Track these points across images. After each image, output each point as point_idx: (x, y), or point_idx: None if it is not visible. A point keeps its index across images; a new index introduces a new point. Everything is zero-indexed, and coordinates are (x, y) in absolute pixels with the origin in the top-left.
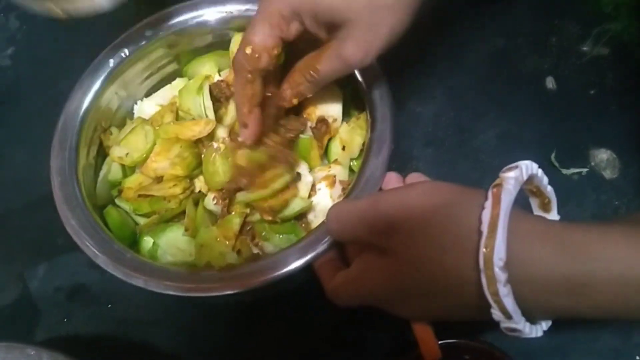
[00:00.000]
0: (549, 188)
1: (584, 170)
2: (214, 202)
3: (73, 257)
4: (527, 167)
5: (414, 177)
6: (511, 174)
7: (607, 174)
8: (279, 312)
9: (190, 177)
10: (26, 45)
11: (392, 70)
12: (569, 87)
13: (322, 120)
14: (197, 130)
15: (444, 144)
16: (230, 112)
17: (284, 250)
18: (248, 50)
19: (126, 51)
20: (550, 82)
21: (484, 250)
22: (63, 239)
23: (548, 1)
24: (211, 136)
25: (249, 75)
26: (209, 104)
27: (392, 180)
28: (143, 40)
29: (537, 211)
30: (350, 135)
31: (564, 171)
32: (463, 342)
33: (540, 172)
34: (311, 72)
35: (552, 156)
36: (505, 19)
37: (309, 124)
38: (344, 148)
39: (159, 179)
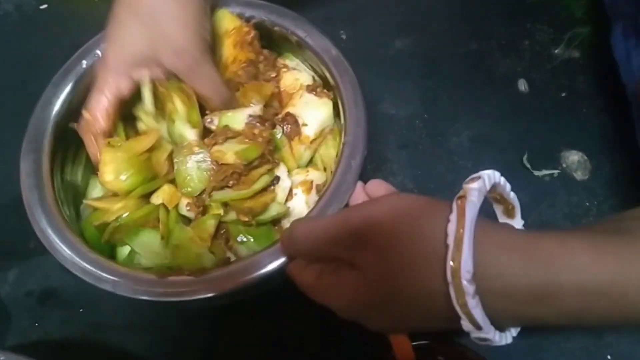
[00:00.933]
0: (512, 195)
1: (556, 172)
2: (187, 208)
3: (45, 260)
4: (490, 177)
5: (374, 184)
6: (474, 185)
7: (579, 175)
8: (254, 315)
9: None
10: None
11: (366, 73)
12: (541, 89)
13: (290, 117)
14: (144, 144)
15: (418, 146)
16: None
17: (258, 253)
18: (86, 116)
19: (99, 52)
20: (522, 85)
21: (451, 263)
22: (34, 243)
23: (521, 5)
24: (159, 144)
25: (92, 137)
26: (150, 108)
27: (359, 194)
28: None
29: (501, 217)
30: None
31: (536, 173)
32: (437, 344)
33: (502, 180)
34: None
35: (524, 158)
36: (479, 22)
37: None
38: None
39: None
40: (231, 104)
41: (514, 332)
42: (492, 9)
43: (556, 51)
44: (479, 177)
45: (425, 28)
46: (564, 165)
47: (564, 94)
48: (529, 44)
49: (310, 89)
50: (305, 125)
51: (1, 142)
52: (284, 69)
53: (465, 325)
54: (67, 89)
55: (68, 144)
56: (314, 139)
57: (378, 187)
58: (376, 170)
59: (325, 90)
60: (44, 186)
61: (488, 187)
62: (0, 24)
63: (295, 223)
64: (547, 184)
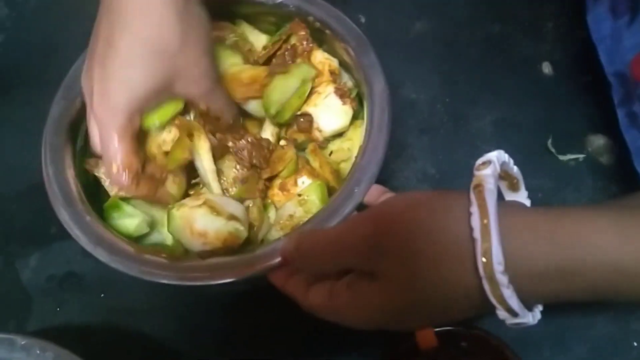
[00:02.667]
0: (516, 169)
1: (581, 156)
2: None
3: (66, 245)
4: (499, 159)
5: (373, 193)
6: (488, 172)
7: (604, 159)
8: (274, 300)
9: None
10: (16, 32)
11: (385, 57)
12: (566, 72)
13: (307, 117)
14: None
15: (439, 131)
16: None
17: (279, 240)
18: (115, 169)
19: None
20: (546, 68)
21: (483, 259)
22: (55, 228)
23: None
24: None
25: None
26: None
27: (373, 194)
28: None
29: (506, 192)
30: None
31: (561, 157)
32: (459, 329)
33: (507, 157)
34: None
35: (549, 142)
36: (501, 4)
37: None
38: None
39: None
40: (238, 121)
41: (540, 307)
42: None
43: (581, 33)
44: (489, 162)
45: (446, 10)
46: (590, 150)
47: (588, 77)
48: (553, 26)
49: (339, 92)
50: (319, 130)
51: (22, 129)
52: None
53: (501, 314)
54: None
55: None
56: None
57: (376, 190)
58: (397, 156)
59: (352, 97)
60: (65, 173)
61: (499, 170)
62: (19, 10)
63: (300, 235)
64: (572, 169)
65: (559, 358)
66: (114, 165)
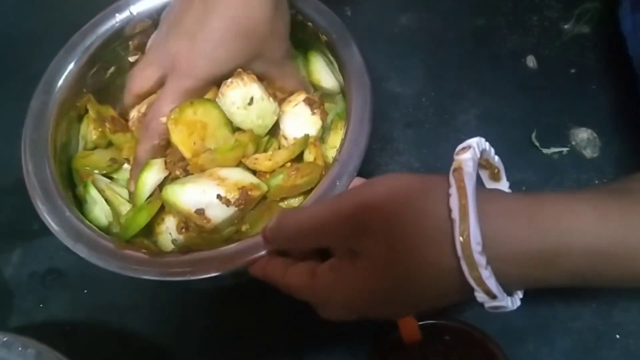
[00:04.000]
0: (497, 158)
1: (565, 149)
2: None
3: (48, 241)
4: (479, 144)
5: (357, 182)
6: (467, 156)
7: (588, 153)
8: (258, 296)
9: None
10: None
11: (371, 50)
12: (550, 66)
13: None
14: None
15: (424, 124)
16: None
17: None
18: (164, 120)
19: (102, 30)
20: (531, 61)
21: (460, 238)
22: (38, 224)
23: None
24: None
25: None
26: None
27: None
28: (118, 20)
29: (487, 182)
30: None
31: (545, 150)
32: (443, 323)
33: (487, 145)
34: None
35: (533, 135)
36: None
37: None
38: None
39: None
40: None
41: (520, 294)
42: None
43: (565, 27)
44: (469, 147)
45: (432, 3)
46: (573, 143)
47: (573, 70)
48: (538, 19)
49: (309, 102)
50: (285, 137)
51: (3, 123)
52: None
53: (480, 296)
54: (69, 68)
55: (70, 123)
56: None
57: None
58: (382, 150)
59: (322, 108)
60: (45, 168)
61: (479, 155)
62: (1, 4)
63: (283, 214)
64: (556, 162)
65: (543, 350)
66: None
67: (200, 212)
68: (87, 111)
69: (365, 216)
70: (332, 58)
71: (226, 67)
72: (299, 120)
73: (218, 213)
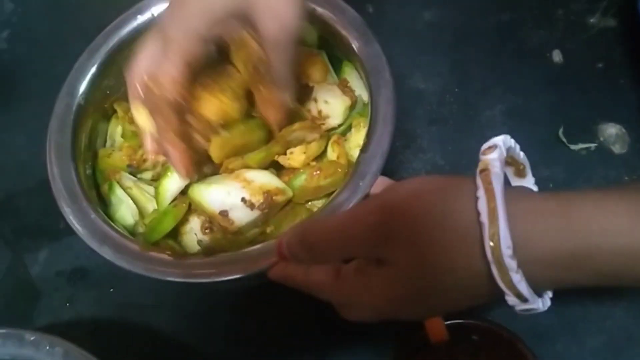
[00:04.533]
0: (522, 155)
1: (593, 145)
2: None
3: (75, 240)
4: (505, 143)
5: (381, 182)
6: (494, 155)
7: (617, 149)
8: (282, 296)
9: None
10: (22, 28)
11: (394, 46)
12: (577, 60)
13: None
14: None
15: (448, 121)
16: None
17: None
18: (149, 83)
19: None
20: (557, 56)
21: (490, 243)
22: (64, 223)
23: None
24: None
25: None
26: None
27: (380, 186)
28: (139, 22)
29: (512, 178)
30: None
31: (572, 147)
32: (471, 322)
33: (513, 142)
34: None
35: (560, 131)
36: None
37: None
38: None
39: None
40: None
41: (550, 294)
42: None
43: (592, 20)
44: (495, 146)
45: None
46: (601, 139)
47: (600, 65)
48: (563, 13)
49: (343, 84)
50: (315, 101)
51: (29, 124)
52: None
53: (511, 300)
54: (93, 69)
55: (95, 123)
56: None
57: (382, 186)
58: (405, 147)
59: (351, 90)
60: (70, 170)
61: (505, 154)
62: (25, 5)
63: (302, 228)
64: (584, 158)
65: (572, 350)
66: (148, 80)
67: (224, 213)
68: (115, 111)
69: (392, 223)
70: (354, 57)
71: (222, 11)
72: (331, 95)
73: (242, 215)
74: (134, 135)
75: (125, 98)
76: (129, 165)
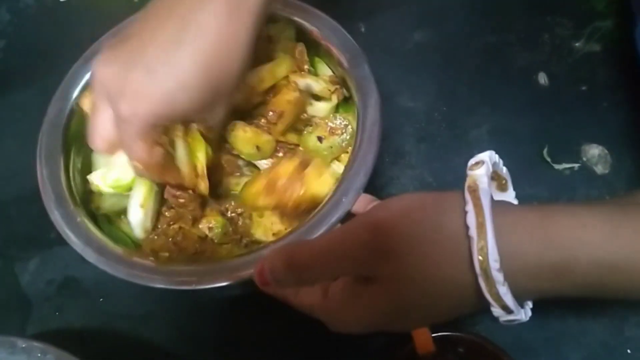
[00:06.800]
0: (505, 170)
1: (576, 165)
2: None
3: (65, 250)
4: (491, 158)
5: (363, 199)
6: (481, 171)
7: (599, 169)
8: (270, 305)
9: None
10: (17, 38)
11: (384, 65)
12: (561, 83)
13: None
14: None
15: (436, 139)
16: None
17: (276, 242)
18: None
19: None
20: (542, 78)
21: (479, 257)
22: (55, 233)
23: None
24: None
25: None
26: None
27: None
28: None
29: (495, 192)
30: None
31: (556, 166)
32: (457, 335)
33: (497, 157)
34: None
35: (545, 151)
36: (498, 15)
37: None
38: None
39: None
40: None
41: (530, 304)
42: (511, 2)
43: (576, 45)
44: (482, 162)
45: (444, 20)
46: (584, 159)
47: (584, 88)
48: (549, 37)
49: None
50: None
51: (21, 133)
52: None
53: (496, 311)
54: (85, 79)
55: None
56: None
57: (364, 200)
58: (394, 163)
59: (339, 89)
60: (59, 174)
61: (491, 170)
62: (20, 16)
63: (287, 250)
64: (567, 178)
65: None
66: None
67: None
68: None
69: (383, 240)
70: (344, 75)
71: (188, 111)
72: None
73: None
74: None
75: None
76: None
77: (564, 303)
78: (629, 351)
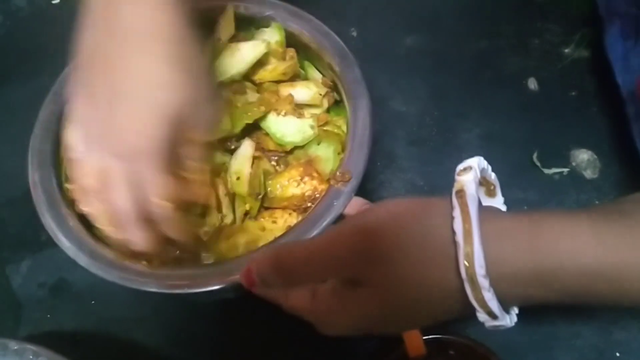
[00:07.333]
0: (493, 175)
1: (565, 170)
2: None
3: (57, 252)
4: (479, 164)
5: (355, 202)
6: (469, 177)
7: (588, 174)
8: (263, 309)
9: None
10: (9, 39)
11: (376, 69)
12: (551, 88)
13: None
14: None
15: (427, 143)
16: None
17: (269, 245)
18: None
19: None
20: (532, 83)
21: (465, 262)
22: (46, 235)
23: (531, 4)
24: None
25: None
26: None
27: (354, 206)
28: None
29: (483, 198)
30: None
31: (546, 171)
32: (448, 338)
33: (485, 163)
34: None
35: (534, 156)
36: (489, 20)
37: None
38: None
39: None
40: None
41: (516, 310)
42: (502, 8)
43: (566, 51)
44: (470, 167)
45: (436, 25)
46: (574, 164)
47: (573, 93)
48: (539, 43)
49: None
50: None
51: (13, 135)
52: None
53: (482, 316)
54: None
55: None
56: None
57: (355, 202)
58: (386, 167)
59: (330, 93)
60: (51, 178)
61: (479, 175)
62: (12, 18)
63: (274, 253)
64: (557, 182)
65: None
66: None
67: None
68: None
69: (372, 244)
70: (335, 79)
71: (173, 111)
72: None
73: None
74: None
75: None
76: None
77: (554, 307)
78: (617, 354)
